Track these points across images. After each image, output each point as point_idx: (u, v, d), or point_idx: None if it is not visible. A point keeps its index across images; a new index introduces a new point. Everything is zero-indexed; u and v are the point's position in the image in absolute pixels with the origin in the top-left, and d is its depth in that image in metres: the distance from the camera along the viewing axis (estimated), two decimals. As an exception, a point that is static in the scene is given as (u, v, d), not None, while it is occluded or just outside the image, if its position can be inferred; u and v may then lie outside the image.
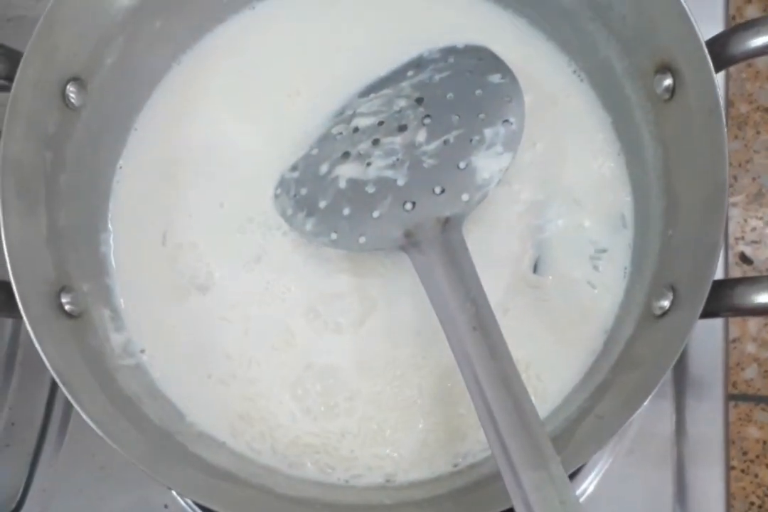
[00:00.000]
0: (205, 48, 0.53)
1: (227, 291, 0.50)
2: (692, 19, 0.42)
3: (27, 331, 0.41)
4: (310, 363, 0.48)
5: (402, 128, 0.49)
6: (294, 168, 0.50)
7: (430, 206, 0.46)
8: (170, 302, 0.50)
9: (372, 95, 0.51)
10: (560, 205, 0.50)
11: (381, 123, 0.49)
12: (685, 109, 0.44)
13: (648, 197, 0.48)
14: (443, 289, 0.43)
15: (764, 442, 0.77)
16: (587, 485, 0.53)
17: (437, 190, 0.47)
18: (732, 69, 0.79)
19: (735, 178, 0.84)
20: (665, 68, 0.44)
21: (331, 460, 0.47)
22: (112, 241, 0.51)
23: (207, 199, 0.51)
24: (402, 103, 0.50)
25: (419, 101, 0.49)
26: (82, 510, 0.55)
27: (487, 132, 0.47)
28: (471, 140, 0.47)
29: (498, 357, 0.40)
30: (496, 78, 0.49)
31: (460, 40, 0.51)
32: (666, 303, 0.43)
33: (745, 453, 0.77)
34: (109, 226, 0.51)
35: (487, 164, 0.47)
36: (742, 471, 0.77)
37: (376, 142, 0.49)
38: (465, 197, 0.46)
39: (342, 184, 0.49)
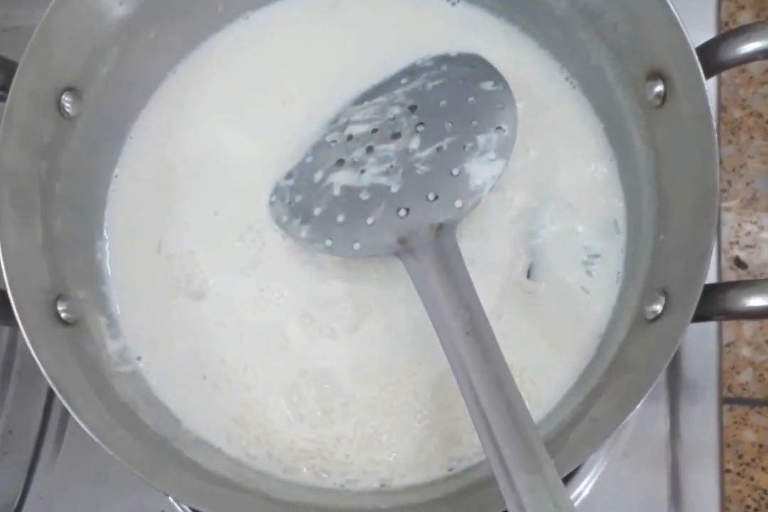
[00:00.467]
0: (200, 57, 0.54)
1: (222, 298, 0.50)
2: (683, 27, 0.42)
3: (23, 339, 0.41)
4: (305, 369, 0.49)
5: (396, 135, 0.49)
6: (289, 175, 0.51)
7: (423, 212, 0.46)
8: (166, 309, 0.50)
9: (366, 103, 0.51)
10: (553, 210, 0.50)
11: (375, 130, 0.50)
12: (676, 115, 0.44)
13: (640, 202, 0.48)
14: (437, 295, 0.43)
15: (760, 445, 0.78)
16: (582, 488, 0.54)
17: (431, 196, 0.47)
18: (725, 74, 0.79)
19: (729, 182, 0.84)
20: (656, 75, 0.45)
21: (326, 465, 0.47)
22: (108, 249, 0.51)
23: (202, 207, 0.51)
24: (396, 110, 0.50)
25: (413, 109, 0.49)
26: (80, 517, 0.55)
27: (480, 139, 0.47)
28: (464, 147, 0.47)
29: (491, 362, 0.41)
30: (488, 85, 0.49)
31: (453, 48, 0.51)
32: (658, 308, 0.43)
33: (740, 457, 0.77)
34: (105, 234, 0.51)
35: (480, 171, 0.47)
36: (738, 474, 0.77)
37: (370, 150, 0.49)
38: (458, 203, 0.46)
39: (336, 191, 0.49)
